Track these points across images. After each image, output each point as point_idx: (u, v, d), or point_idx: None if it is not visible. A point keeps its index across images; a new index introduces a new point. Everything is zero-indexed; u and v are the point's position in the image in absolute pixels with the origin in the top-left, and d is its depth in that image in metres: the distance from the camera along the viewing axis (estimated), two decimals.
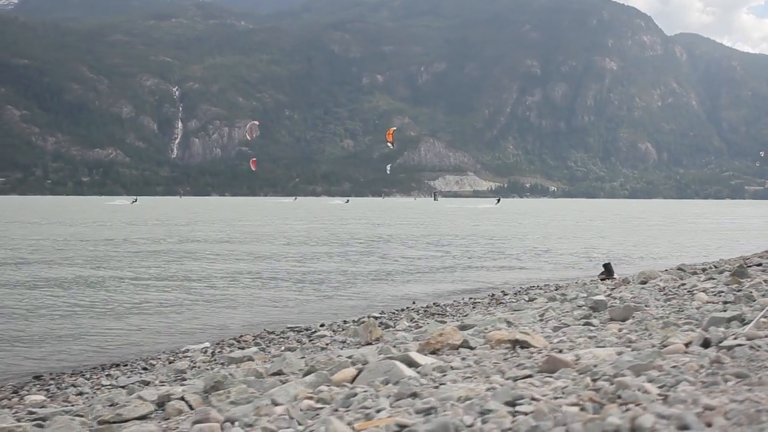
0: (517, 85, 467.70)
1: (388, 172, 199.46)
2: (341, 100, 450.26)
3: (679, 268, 14.00)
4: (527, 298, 12.13)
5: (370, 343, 7.69)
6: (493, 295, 14.60)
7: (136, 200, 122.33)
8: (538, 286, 16.00)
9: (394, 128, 75.68)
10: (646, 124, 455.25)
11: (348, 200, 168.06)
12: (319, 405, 3.68)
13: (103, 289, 16.00)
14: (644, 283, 10.83)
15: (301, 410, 3.60)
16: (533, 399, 2.98)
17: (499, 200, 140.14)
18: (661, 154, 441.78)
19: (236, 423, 3.57)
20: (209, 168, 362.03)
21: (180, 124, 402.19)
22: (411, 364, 4.24)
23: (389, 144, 72.33)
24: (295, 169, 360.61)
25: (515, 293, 14.58)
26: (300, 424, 3.37)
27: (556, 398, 2.99)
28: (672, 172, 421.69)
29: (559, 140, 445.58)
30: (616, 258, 22.36)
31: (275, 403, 3.75)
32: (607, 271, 14.92)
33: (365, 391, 3.69)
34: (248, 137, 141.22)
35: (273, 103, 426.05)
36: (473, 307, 12.41)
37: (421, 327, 9.42)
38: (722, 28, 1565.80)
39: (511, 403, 2.95)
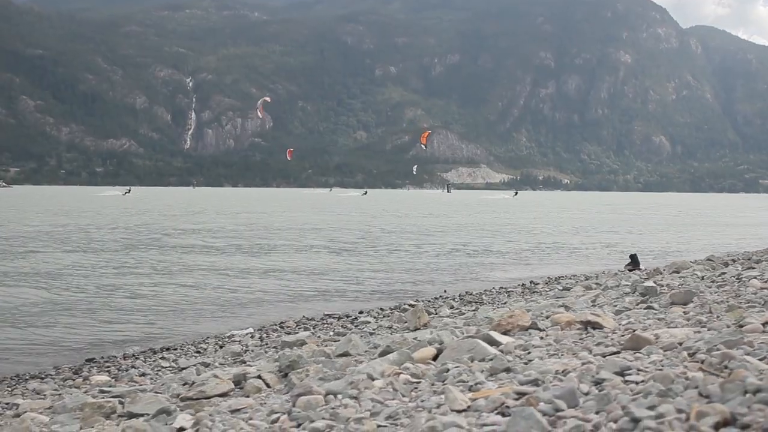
0: (531, 78, 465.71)
1: (414, 173, 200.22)
2: (354, 91, 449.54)
3: (709, 259, 14.07)
4: (560, 288, 12.20)
5: (419, 329, 7.83)
6: (524, 284, 14.73)
7: (129, 191, 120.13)
8: (567, 276, 16.08)
9: (429, 131, 76.35)
10: (660, 117, 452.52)
11: (366, 191, 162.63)
12: (414, 380, 3.83)
13: (130, 280, 16.27)
14: (677, 272, 10.84)
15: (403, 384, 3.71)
16: (639, 370, 3.16)
17: (516, 193, 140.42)
18: (675, 147, 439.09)
19: (338, 395, 3.69)
20: (222, 159, 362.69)
21: (193, 115, 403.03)
22: (492, 342, 4.41)
23: (423, 146, 72.88)
24: (308, 160, 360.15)
25: (546, 283, 14.68)
26: (404, 396, 3.52)
27: (658, 370, 3.11)
28: (686, 166, 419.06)
29: (572, 133, 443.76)
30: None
31: (372, 378, 3.93)
32: (634, 261, 15.02)
33: (456, 367, 3.86)
34: (259, 114, 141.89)
35: (286, 95, 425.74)
36: (508, 296, 12.54)
37: (464, 313, 9.56)
38: (738, 20, 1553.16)
39: (620, 373, 3.12)
